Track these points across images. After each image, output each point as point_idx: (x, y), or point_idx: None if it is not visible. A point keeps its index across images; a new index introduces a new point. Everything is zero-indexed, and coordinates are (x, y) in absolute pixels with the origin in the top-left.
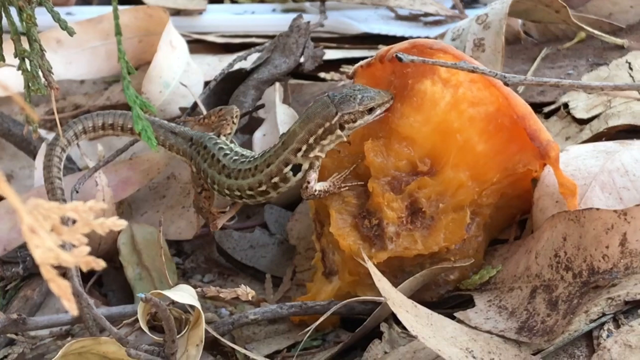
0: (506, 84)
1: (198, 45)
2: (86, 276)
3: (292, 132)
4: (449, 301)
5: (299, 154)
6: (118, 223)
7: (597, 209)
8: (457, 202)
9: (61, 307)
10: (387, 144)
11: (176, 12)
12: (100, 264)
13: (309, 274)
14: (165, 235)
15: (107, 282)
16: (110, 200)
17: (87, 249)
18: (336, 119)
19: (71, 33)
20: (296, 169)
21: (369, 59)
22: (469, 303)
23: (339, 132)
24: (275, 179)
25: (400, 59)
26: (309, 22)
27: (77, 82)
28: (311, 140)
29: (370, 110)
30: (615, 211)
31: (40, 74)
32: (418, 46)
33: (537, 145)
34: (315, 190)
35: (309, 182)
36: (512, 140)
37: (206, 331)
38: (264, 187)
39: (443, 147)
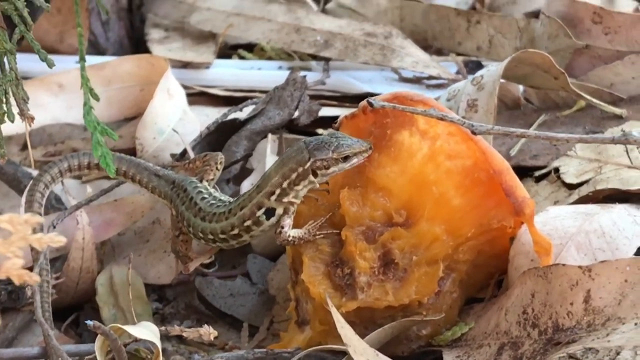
0: (474, 133)
1: (201, 98)
2: (63, 315)
3: (266, 175)
4: (420, 356)
5: (272, 198)
6: (56, 239)
7: (564, 265)
8: (430, 256)
9: (34, 343)
10: (363, 193)
11: (183, 65)
12: (33, 279)
13: (286, 324)
14: (145, 279)
15: (84, 322)
16: (90, 239)
17: (21, 262)
18: (309, 164)
19: (50, 65)
20: (269, 213)
21: (353, 111)
22: (440, 359)
23: (311, 178)
24: (248, 222)
25: (371, 104)
26: (305, 76)
27: (78, 127)
28: (285, 185)
29: (346, 159)
30: (580, 267)
31: (13, 100)
32: (399, 97)
33: (512, 202)
34: (289, 236)
35: (282, 228)
36: (489, 195)
37: None
38: (236, 231)
39: (419, 199)
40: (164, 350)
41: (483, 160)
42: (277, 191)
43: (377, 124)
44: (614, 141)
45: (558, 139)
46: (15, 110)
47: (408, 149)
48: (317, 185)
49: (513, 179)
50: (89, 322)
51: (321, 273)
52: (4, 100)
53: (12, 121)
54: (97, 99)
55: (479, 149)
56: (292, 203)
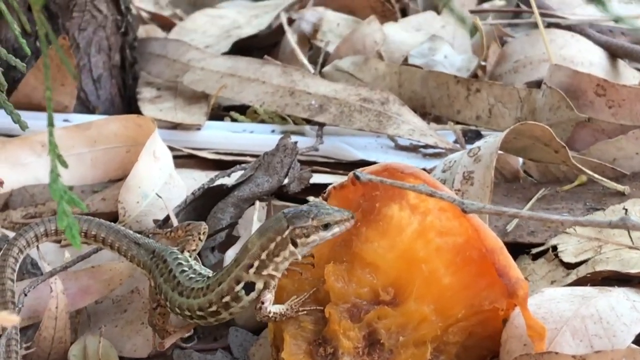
0: (464, 211)
1: (190, 161)
2: None
3: (244, 247)
4: None
5: (251, 271)
6: (9, 318)
7: (556, 353)
8: (418, 337)
9: None
10: (349, 268)
11: (174, 126)
12: None
13: None
14: (120, 352)
15: None
16: (64, 308)
17: None
18: (287, 232)
19: (23, 127)
20: (249, 287)
21: (342, 181)
22: None
23: (291, 247)
24: (227, 299)
25: (357, 177)
26: (296, 143)
27: None
28: (263, 256)
29: (326, 227)
30: (573, 357)
31: None
32: (390, 169)
33: (505, 282)
34: (270, 312)
35: (263, 303)
36: (481, 275)
37: None
38: (214, 308)
39: (407, 276)
40: None
41: (475, 238)
42: (256, 263)
43: (366, 196)
44: (610, 225)
45: (552, 220)
46: None
47: (397, 224)
48: (299, 257)
49: (506, 258)
50: None
51: (303, 351)
52: None
53: None
54: (65, 165)
55: (471, 226)
56: (272, 276)
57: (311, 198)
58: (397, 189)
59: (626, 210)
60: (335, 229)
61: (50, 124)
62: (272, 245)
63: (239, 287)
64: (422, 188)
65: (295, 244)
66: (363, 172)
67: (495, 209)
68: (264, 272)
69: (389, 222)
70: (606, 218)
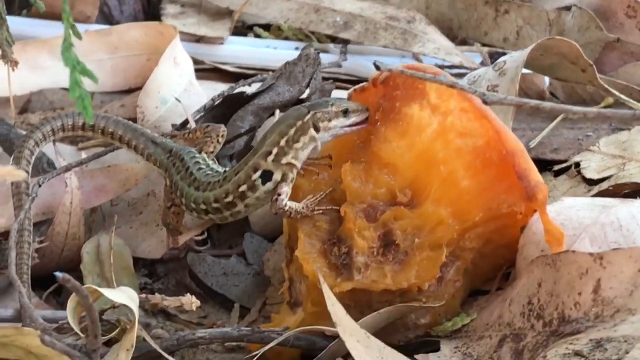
0: (485, 102)
1: (212, 73)
2: (45, 283)
3: (262, 137)
4: (417, 346)
5: (269, 158)
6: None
7: (573, 252)
8: (434, 239)
9: (9, 304)
10: (367, 169)
11: (196, 39)
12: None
13: (279, 306)
14: (135, 252)
15: (67, 291)
16: (79, 204)
17: None
18: (308, 116)
19: (41, 9)
20: (266, 176)
21: (363, 84)
22: (437, 350)
23: (312, 132)
24: (243, 187)
25: (377, 67)
26: (318, 53)
27: None
28: (282, 143)
29: (345, 112)
30: (591, 254)
31: None
32: (412, 68)
33: (524, 185)
34: (286, 205)
35: (279, 195)
36: (500, 178)
37: (151, 346)
38: (230, 198)
39: (426, 178)
40: (147, 324)
41: (496, 140)
42: (275, 150)
43: (387, 96)
44: (635, 116)
45: (574, 111)
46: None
47: (417, 124)
48: (319, 144)
49: (527, 161)
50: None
51: (317, 250)
52: None
53: None
54: (78, 37)
55: (492, 127)
56: (291, 167)
57: None
58: (419, 89)
59: None
60: (353, 117)
61: None
62: (292, 131)
63: (256, 176)
64: (443, 79)
65: (317, 129)
66: (383, 63)
67: (517, 100)
68: (283, 161)
69: (408, 122)
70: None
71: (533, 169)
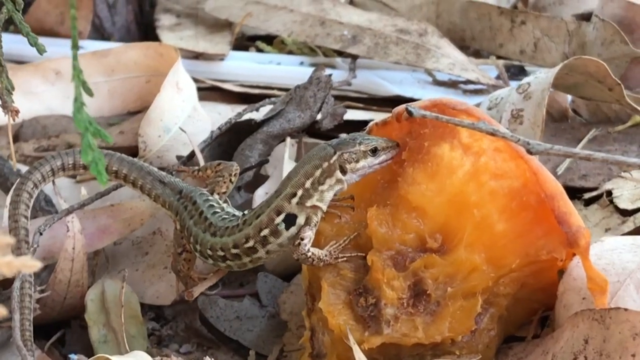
0: (529, 152)
1: (213, 93)
2: (48, 333)
3: (286, 178)
4: None
5: (294, 201)
6: (29, 264)
7: (625, 310)
8: (468, 288)
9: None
10: (394, 212)
11: (195, 56)
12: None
13: (298, 354)
14: (142, 298)
15: (71, 341)
16: (82, 249)
17: None
18: (335, 157)
19: (41, 51)
20: (290, 220)
21: (385, 118)
22: None
23: (339, 174)
24: (265, 232)
25: (410, 113)
26: (330, 76)
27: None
28: (308, 184)
29: (374, 152)
30: None
31: None
32: (439, 105)
33: (565, 231)
34: (309, 252)
35: (302, 239)
36: (537, 222)
37: None
38: (251, 243)
39: (457, 222)
40: None
41: (533, 181)
42: (299, 192)
43: (414, 134)
44: None
45: (629, 164)
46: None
47: (448, 165)
48: (345, 186)
49: (567, 204)
50: (73, 357)
51: (342, 302)
52: None
53: None
54: (90, 94)
55: (529, 168)
56: (315, 210)
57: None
58: (449, 127)
59: None
60: (383, 156)
61: (75, 46)
62: (318, 173)
63: (279, 219)
64: (482, 126)
65: (343, 171)
66: (415, 107)
67: (565, 149)
68: (308, 203)
69: (438, 163)
70: None
71: (573, 212)
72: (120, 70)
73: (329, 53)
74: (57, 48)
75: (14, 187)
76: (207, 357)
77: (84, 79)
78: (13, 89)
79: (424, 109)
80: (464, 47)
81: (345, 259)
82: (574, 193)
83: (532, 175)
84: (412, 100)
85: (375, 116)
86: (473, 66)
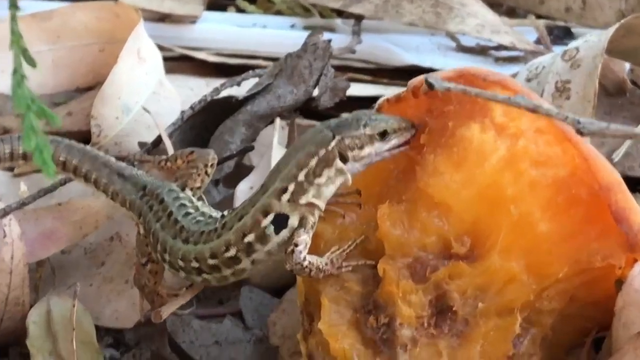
0: (579, 133)
1: (183, 64)
2: None
3: (274, 170)
4: None
5: (284, 198)
6: None
7: None
8: (504, 303)
9: None
10: (411, 210)
11: (161, 18)
12: None
13: None
14: (97, 320)
15: None
16: (22, 259)
17: None
18: (334, 143)
19: None
20: (280, 222)
21: (399, 92)
22: None
23: (339, 163)
24: (250, 237)
25: (430, 86)
26: (329, 41)
27: (11, 99)
28: (301, 177)
29: (383, 135)
30: None
31: None
32: (466, 76)
33: (624, 231)
34: (305, 260)
35: (296, 245)
36: (590, 220)
37: None
38: (232, 252)
39: (490, 221)
40: None
41: (584, 170)
42: (291, 187)
43: (434, 112)
44: None
45: None
46: None
47: (478, 150)
48: (349, 178)
49: (627, 199)
50: None
51: (347, 321)
52: None
53: None
54: (32, 64)
55: (579, 153)
56: (312, 208)
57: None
58: (478, 104)
59: None
60: (394, 140)
61: (13, 5)
62: (313, 162)
63: (266, 221)
64: (521, 101)
65: (344, 159)
66: (437, 79)
67: (624, 129)
68: (302, 200)
69: (466, 148)
70: None
71: (635, 207)
72: (67, 36)
73: (326, 13)
74: None
75: None
76: None
77: (24, 45)
78: None
79: (447, 80)
80: (495, 4)
81: (350, 268)
82: (635, 184)
83: (582, 162)
84: (431, 70)
85: (386, 91)
86: (507, 28)
